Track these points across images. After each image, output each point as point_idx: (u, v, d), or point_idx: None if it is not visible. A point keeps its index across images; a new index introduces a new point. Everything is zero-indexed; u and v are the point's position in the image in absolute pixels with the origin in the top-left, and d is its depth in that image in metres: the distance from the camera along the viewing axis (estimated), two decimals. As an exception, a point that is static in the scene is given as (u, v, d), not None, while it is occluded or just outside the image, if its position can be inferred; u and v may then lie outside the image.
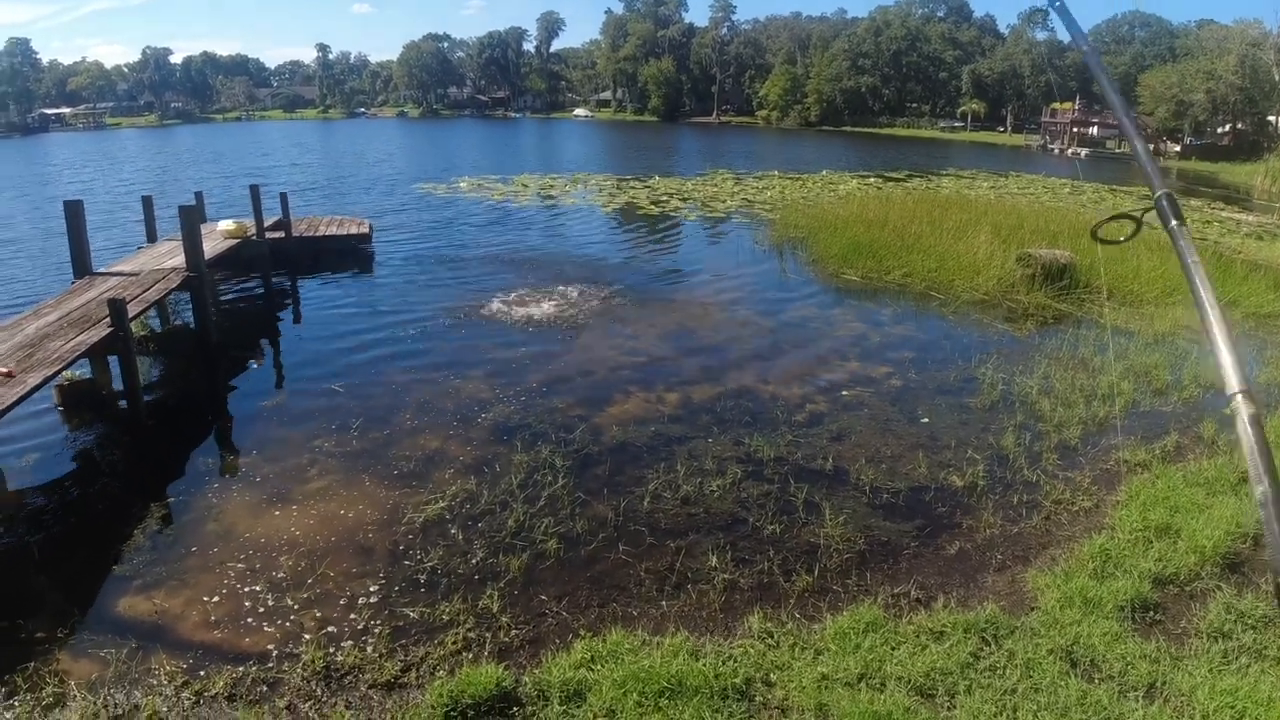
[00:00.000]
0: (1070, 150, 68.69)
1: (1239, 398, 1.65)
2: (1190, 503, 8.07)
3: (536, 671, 5.44)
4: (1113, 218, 2.31)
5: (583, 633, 5.91)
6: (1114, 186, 39.99)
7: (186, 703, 5.23)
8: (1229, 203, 36.95)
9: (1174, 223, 2.06)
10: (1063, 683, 5.47)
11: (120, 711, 5.17)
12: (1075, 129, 72.01)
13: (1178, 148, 67.67)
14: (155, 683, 5.41)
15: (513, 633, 5.97)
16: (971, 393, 11.29)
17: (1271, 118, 67.42)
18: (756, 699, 5.29)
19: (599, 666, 5.45)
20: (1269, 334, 14.86)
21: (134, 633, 5.94)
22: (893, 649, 5.83)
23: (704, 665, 5.43)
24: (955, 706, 5.24)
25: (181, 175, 39.86)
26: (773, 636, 5.95)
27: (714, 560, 6.99)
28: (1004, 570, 7.15)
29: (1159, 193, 2.10)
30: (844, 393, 11.22)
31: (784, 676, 5.51)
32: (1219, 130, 69.18)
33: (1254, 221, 30.37)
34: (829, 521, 7.67)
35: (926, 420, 10.34)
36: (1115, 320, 15.12)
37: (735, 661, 5.61)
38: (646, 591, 6.61)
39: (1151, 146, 66.20)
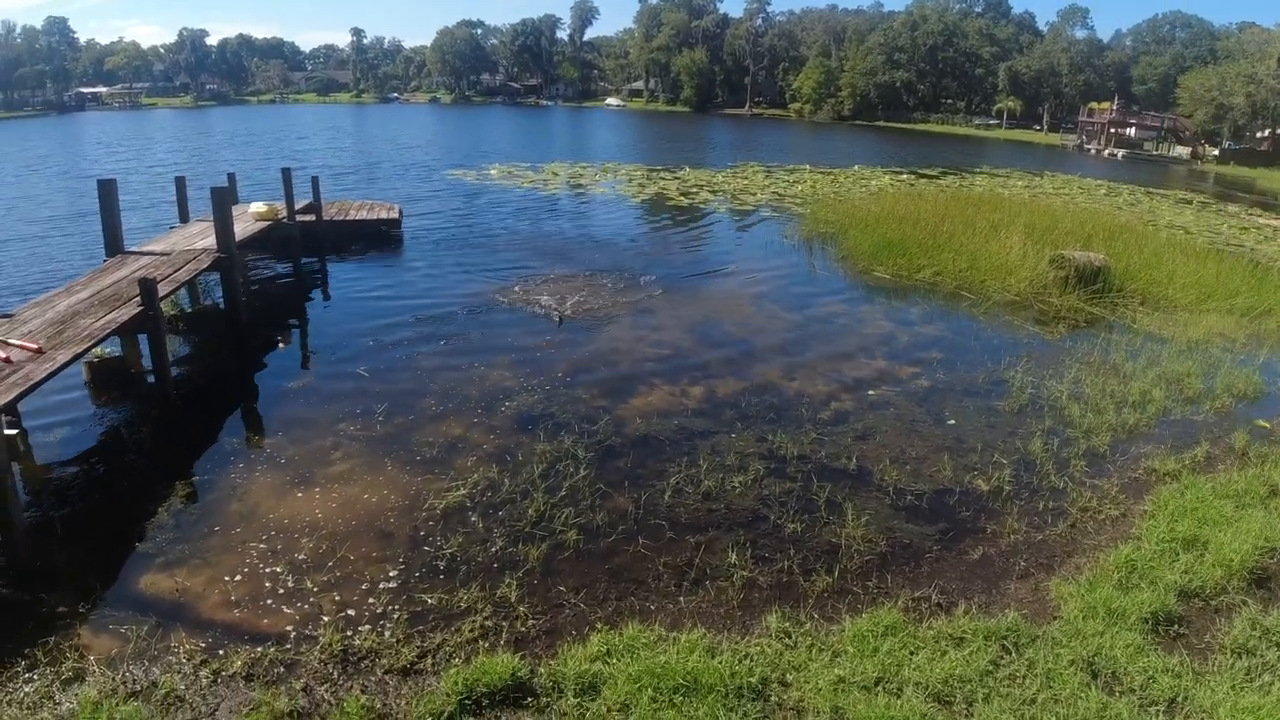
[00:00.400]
0: (1107, 151, 67.58)
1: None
2: (1219, 515, 7.93)
3: (552, 663, 5.45)
4: None
5: (599, 625, 5.92)
6: (1150, 189, 39.30)
7: (204, 681, 5.29)
8: (1267, 209, 36.23)
9: None
10: (1083, 694, 5.41)
11: (138, 688, 5.23)
12: (1113, 129, 70.79)
13: (1216, 151, 66.39)
14: (174, 660, 5.48)
15: (529, 623, 5.99)
16: (1000, 395, 11.15)
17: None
18: (772, 699, 5.27)
19: (614, 660, 5.45)
20: (1306, 345, 14.56)
21: (155, 610, 6.02)
22: (911, 654, 5.78)
23: (720, 663, 5.41)
24: (973, 715, 5.19)
25: (215, 157, 40.26)
26: (790, 636, 5.92)
27: (733, 557, 6.96)
28: (1027, 577, 7.06)
29: None
30: (870, 392, 11.12)
31: (800, 677, 5.48)
32: (1259, 135, 67.75)
33: (1292, 229, 29.74)
34: (851, 522, 7.62)
35: (953, 422, 10.23)
36: (1149, 326, 14.87)
37: (752, 660, 5.58)
38: (665, 586, 6.60)
39: (1189, 150, 65.50)
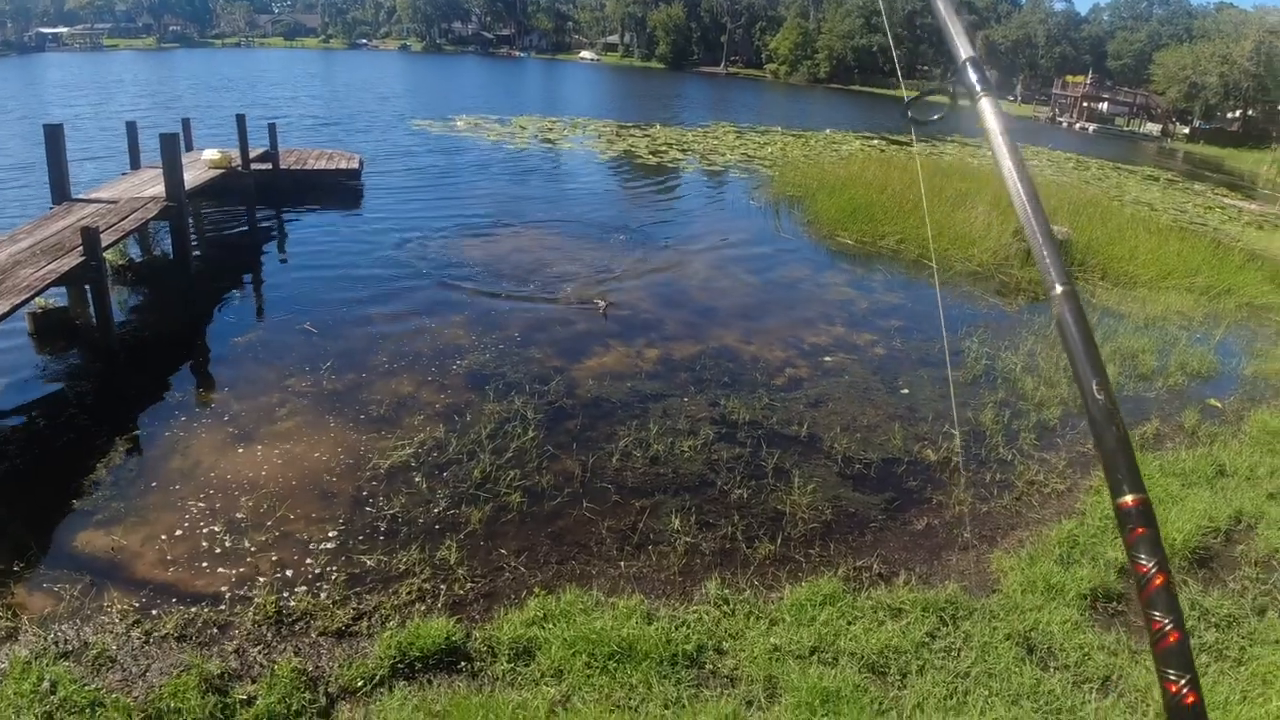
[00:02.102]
0: (1079, 125, 67.91)
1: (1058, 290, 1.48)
2: (1165, 493, 8.04)
3: (488, 627, 5.40)
4: (924, 94, 1.97)
5: (538, 589, 5.86)
6: (1119, 164, 39.61)
7: (136, 641, 5.17)
8: (1233, 189, 36.66)
9: (983, 99, 1.65)
10: (1017, 669, 5.46)
11: (70, 648, 5.10)
12: (1086, 103, 71.09)
13: (1186, 130, 67.01)
14: (106, 620, 5.35)
15: (468, 586, 5.92)
16: (955, 365, 11.21)
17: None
18: (707, 667, 5.27)
19: (550, 625, 5.41)
20: (1260, 325, 14.80)
21: (89, 568, 5.86)
22: (849, 623, 5.80)
23: (656, 630, 5.39)
24: (906, 686, 5.23)
25: (177, 101, 39.01)
26: (729, 604, 5.91)
27: (677, 522, 6.93)
28: (969, 549, 7.11)
29: (964, 57, 1.69)
30: (826, 358, 11.12)
31: (736, 645, 5.48)
32: (1229, 115, 68.41)
33: (1256, 210, 30.14)
34: (797, 489, 7.62)
35: (906, 391, 10.26)
36: (1108, 301, 15.01)
37: (689, 628, 5.57)
38: (606, 550, 6.56)
39: (1160, 127, 66.06)
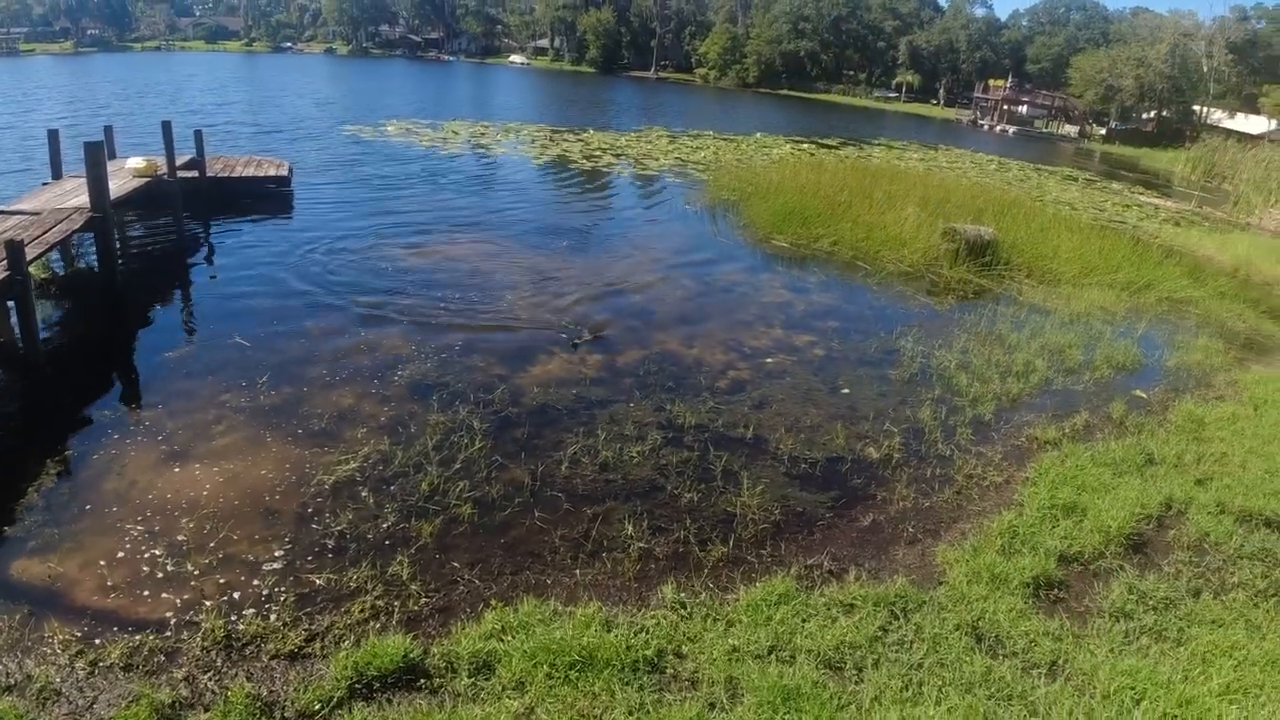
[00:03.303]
0: (1000, 127, 69.95)
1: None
2: (1097, 482, 8.33)
3: (445, 642, 5.34)
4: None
5: (494, 602, 5.83)
6: (1039, 165, 40.91)
7: (81, 673, 4.99)
8: (1149, 188, 38.15)
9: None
10: (968, 658, 5.61)
11: (12, 681, 4.91)
12: (1006, 106, 73.25)
13: (1103, 131, 69.51)
14: (48, 651, 5.15)
15: (422, 601, 5.85)
16: (892, 364, 11.45)
17: (1197, 107, 69.61)
18: (668, 671, 5.29)
19: (509, 637, 5.38)
20: (1180, 318, 15.43)
21: (26, 598, 5.63)
22: (803, 621, 5.89)
23: (616, 637, 5.40)
24: (863, 680, 5.32)
25: (100, 108, 37.59)
26: (686, 607, 5.95)
27: (630, 529, 6.95)
28: (915, 543, 7.29)
29: None
30: (768, 360, 11.26)
31: (695, 649, 5.52)
32: (1144, 116, 71.19)
33: (1172, 208, 31.42)
34: (746, 491, 7.71)
35: (847, 391, 10.45)
36: (1034, 298, 15.49)
37: (648, 633, 5.59)
38: (561, 559, 6.55)
39: (1078, 129, 68.35)
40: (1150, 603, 6.59)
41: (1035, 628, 6.04)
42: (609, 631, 5.48)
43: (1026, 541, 7.21)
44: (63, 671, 4.97)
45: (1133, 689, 5.45)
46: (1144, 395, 11.28)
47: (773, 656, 5.48)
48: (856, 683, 5.31)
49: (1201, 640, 6.06)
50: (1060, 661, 5.76)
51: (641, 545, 6.76)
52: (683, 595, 6.07)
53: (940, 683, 5.39)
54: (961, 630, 5.95)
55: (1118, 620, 6.34)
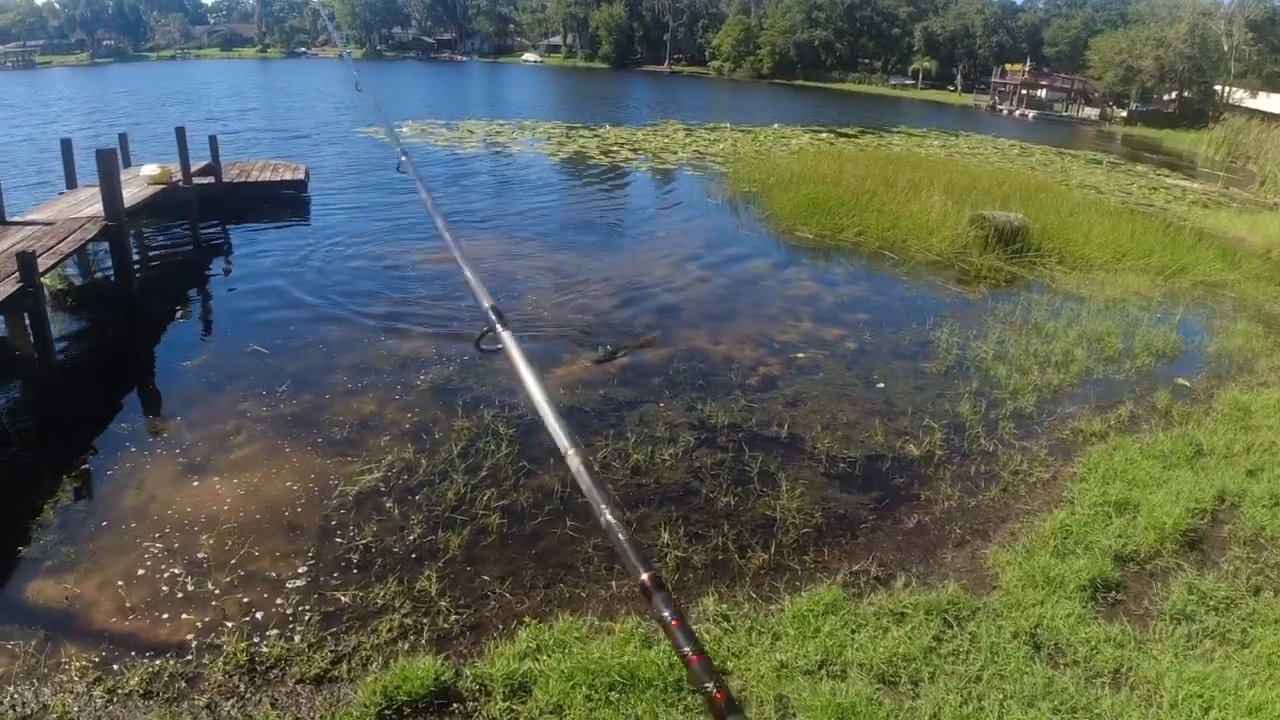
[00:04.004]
0: (1019, 112, 69.04)
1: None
2: (1148, 477, 7.98)
3: (478, 664, 5.07)
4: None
5: (527, 618, 5.55)
6: (1061, 149, 40.23)
7: (99, 701, 4.75)
8: (1174, 169, 37.43)
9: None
10: (1028, 669, 5.29)
11: (28, 711, 4.68)
12: (1024, 91, 72.27)
13: (1123, 113, 68.48)
14: (65, 679, 4.91)
15: (452, 618, 5.58)
16: (926, 357, 11.10)
17: (1218, 87, 68.40)
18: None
19: (545, 657, 5.10)
20: (1216, 302, 14.97)
21: (43, 622, 5.38)
22: (853, 632, 5.59)
23: (657, 654, 5.11)
24: (919, 695, 5.02)
25: (116, 117, 37.65)
26: (729, 620, 5.66)
27: (666, 536, 6.67)
28: (963, 545, 6.97)
29: (487, 305, 2.48)
30: (799, 355, 10.94)
31: (741, 665, 5.23)
32: (1165, 98, 70.05)
33: (1199, 189, 30.74)
34: (785, 493, 7.40)
35: (882, 385, 10.12)
36: (1067, 285, 15.08)
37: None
38: (595, 570, 6.27)
39: (1098, 111, 67.37)
40: (1211, 603, 6.26)
41: (1096, 634, 5.72)
42: (649, 649, 5.20)
43: (1080, 541, 6.87)
44: (80, 700, 4.73)
45: (1200, 697, 5.13)
46: (1187, 383, 10.89)
47: (823, 672, 5.18)
48: (913, 698, 5.01)
49: (1266, 641, 5.73)
50: (1124, 669, 5.43)
51: (678, 554, 6.47)
52: (724, 606, 5.77)
53: (1001, 696, 5.08)
54: (1019, 638, 5.63)
55: (1179, 623, 6.01)
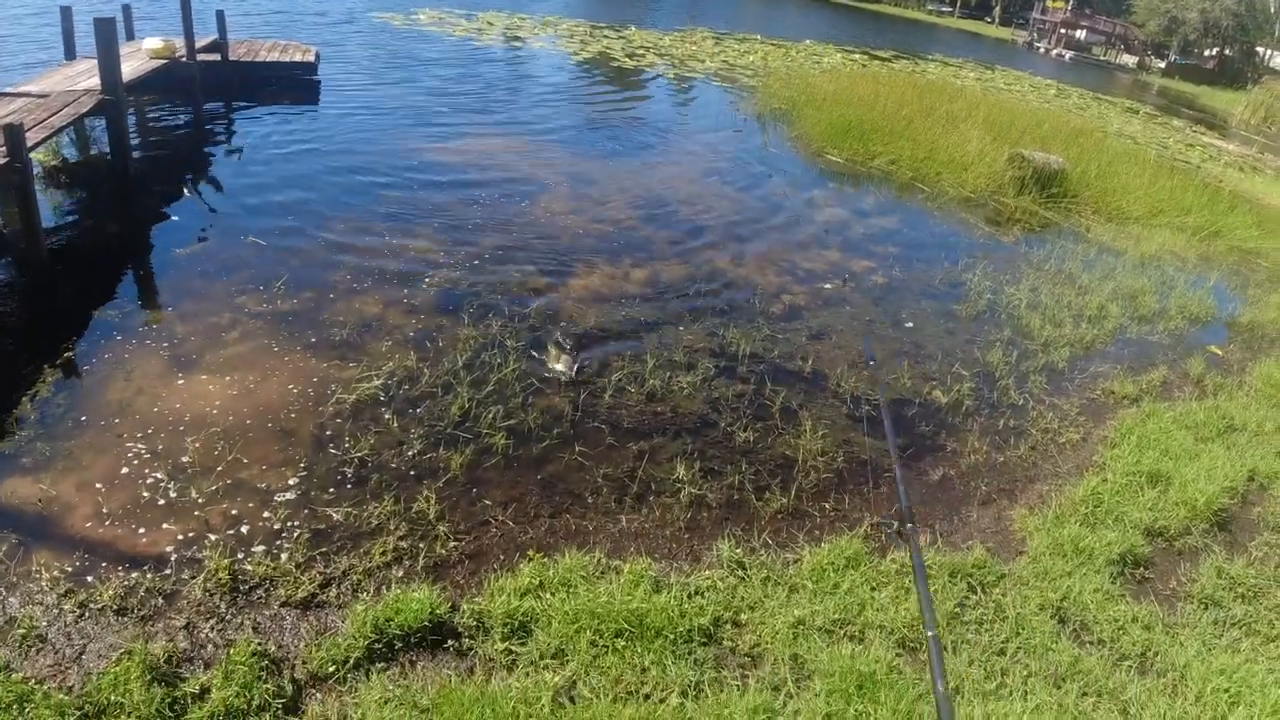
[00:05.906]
0: (1055, 51, 66.59)
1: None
2: (1181, 448, 7.64)
3: (477, 599, 4.74)
4: None
5: (530, 551, 5.21)
6: (1098, 94, 38.82)
7: (69, 616, 4.39)
8: (1209, 128, 36.21)
9: None
10: (1053, 645, 5.01)
11: (-6, 624, 4.34)
12: (1064, 29, 69.58)
13: (1162, 64, 66.21)
14: (35, 588, 4.55)
15: (450, 544, 5.23)
16: (958, 299, 10.62)
17: (1260, 49, 66.00)
18: (725, 643, 4.70)
19: (548, 595, 4.77)
20: (1251, 270, 14.44)
21: (16, 525, 4.98)
22: (873, 590, 5.27)
23: (667, 600, 4.79)
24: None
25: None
26: (744, 567, 5.34)
27: (680, 470, 6.31)
28: (989, 504, 6.64)
29: None
30: (825, 285, 10.45)
31: (755, 618, 4.92)
32: (1206, 54, 67.61)
33: (1235, 151, 29.73)
34: (807, 433, 7.02)
35: (911, 325, 9.68)
36: (1102, 237, 14.48)
37: (702, 597, 4.99)
38: (603, 502, 5.92)
39: (1136, 59, 65.01)
40: (1239, 590, 6.00)
41: (1124, 613, 5.42)
42: (659, 593, 4.87)
43: (1111, 511, 6.54)
44: (50, 613, 4.38)
45: (1227, 690, 4.87)
46: (1220, 351, 10.49)
47: (842, 632, 4.87)
48: (936, 668, 4.69)
49: (1295, 634, 5.45)
50: (1150, 654, 5.16)
51: (693, 490, 6.12)
52: (739, 552, 5.44)
53: (1026, 673, 4.80)
54: (1045, 611, 5.34)
55: (1206, 608, 5.75)
